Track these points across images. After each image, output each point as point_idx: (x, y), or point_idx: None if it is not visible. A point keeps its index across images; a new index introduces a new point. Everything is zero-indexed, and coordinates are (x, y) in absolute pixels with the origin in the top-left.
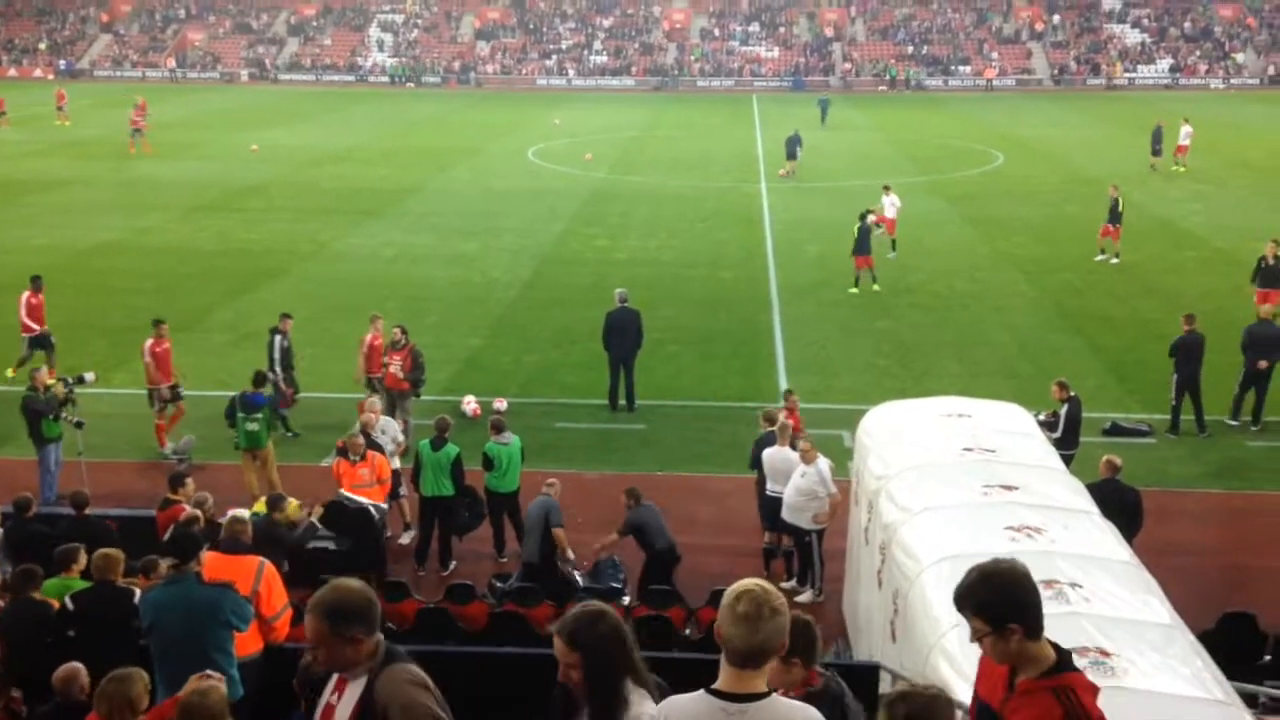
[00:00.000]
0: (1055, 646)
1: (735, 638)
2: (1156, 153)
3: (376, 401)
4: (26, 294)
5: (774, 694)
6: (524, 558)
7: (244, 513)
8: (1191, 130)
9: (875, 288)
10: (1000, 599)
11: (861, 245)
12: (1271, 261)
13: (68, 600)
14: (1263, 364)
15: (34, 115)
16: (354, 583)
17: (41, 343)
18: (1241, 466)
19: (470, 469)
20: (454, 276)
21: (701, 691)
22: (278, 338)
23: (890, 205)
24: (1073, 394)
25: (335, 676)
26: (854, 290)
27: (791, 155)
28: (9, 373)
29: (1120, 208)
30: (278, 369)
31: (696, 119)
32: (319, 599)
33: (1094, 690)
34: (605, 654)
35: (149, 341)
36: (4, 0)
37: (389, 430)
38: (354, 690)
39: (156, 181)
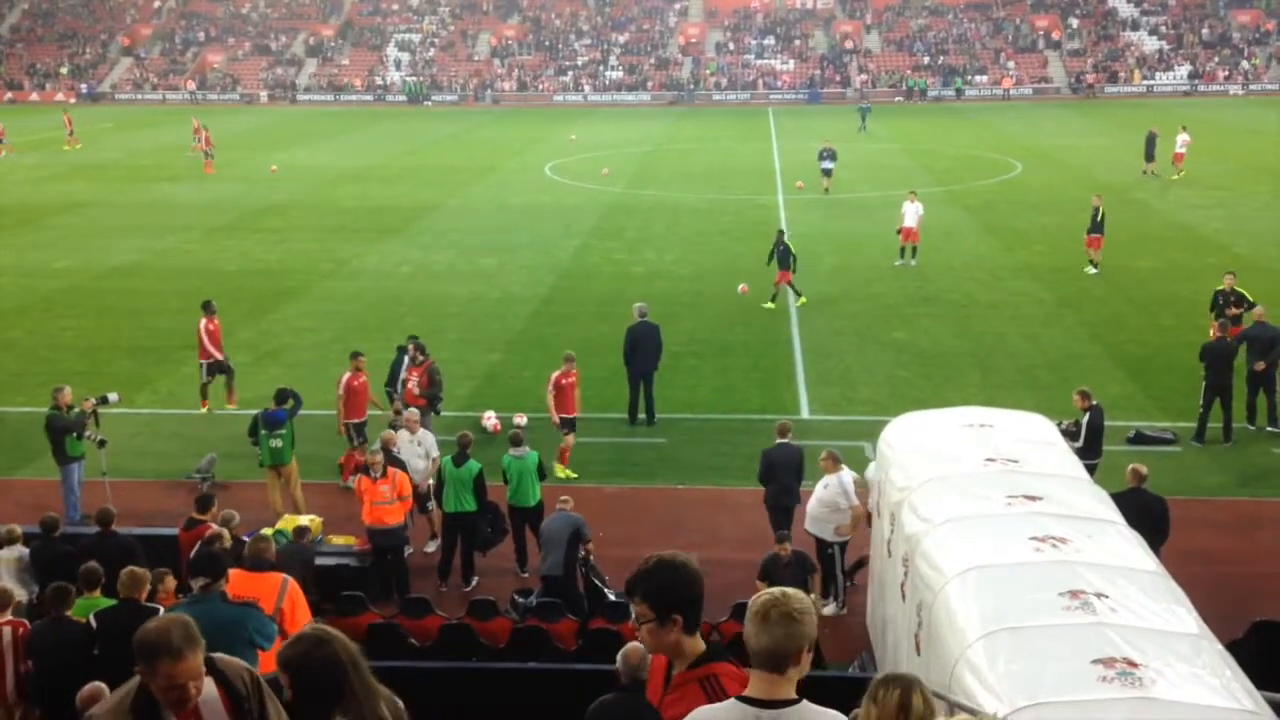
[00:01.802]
0: (709, 641)
1: (748, 637)
2: (1150, 158)
3: (414, 412)
4: (203, 321)
5: (804, 700)
6: (545, 571)
7: (267, 531)
8: (1189, 138)
9: (802, 300)
10: (670, 589)
11: (783, 261)
12: (1233, 298)
13: (92, 619)
14: (1259, 366)
15: (53, 139)
16: (166, 619)
17: (220, 368)
18: (1268, 474)
19: (492, 484)
20: (473, 292)
21: (733, 700)
22: (405, 357)
23: (913, 212)
24: (1094, 402)
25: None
26: (770, 305)
27: (827, 172)
28: (203, 408)
29: (1100, 217)
30: (396, 384)
31: (712, 132)
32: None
33: (741, 679)
34: (313, 680)
35: (346, 375)
36: (26, 26)
37: (425, 443)
38: (207, 696)
39: (177, 203)
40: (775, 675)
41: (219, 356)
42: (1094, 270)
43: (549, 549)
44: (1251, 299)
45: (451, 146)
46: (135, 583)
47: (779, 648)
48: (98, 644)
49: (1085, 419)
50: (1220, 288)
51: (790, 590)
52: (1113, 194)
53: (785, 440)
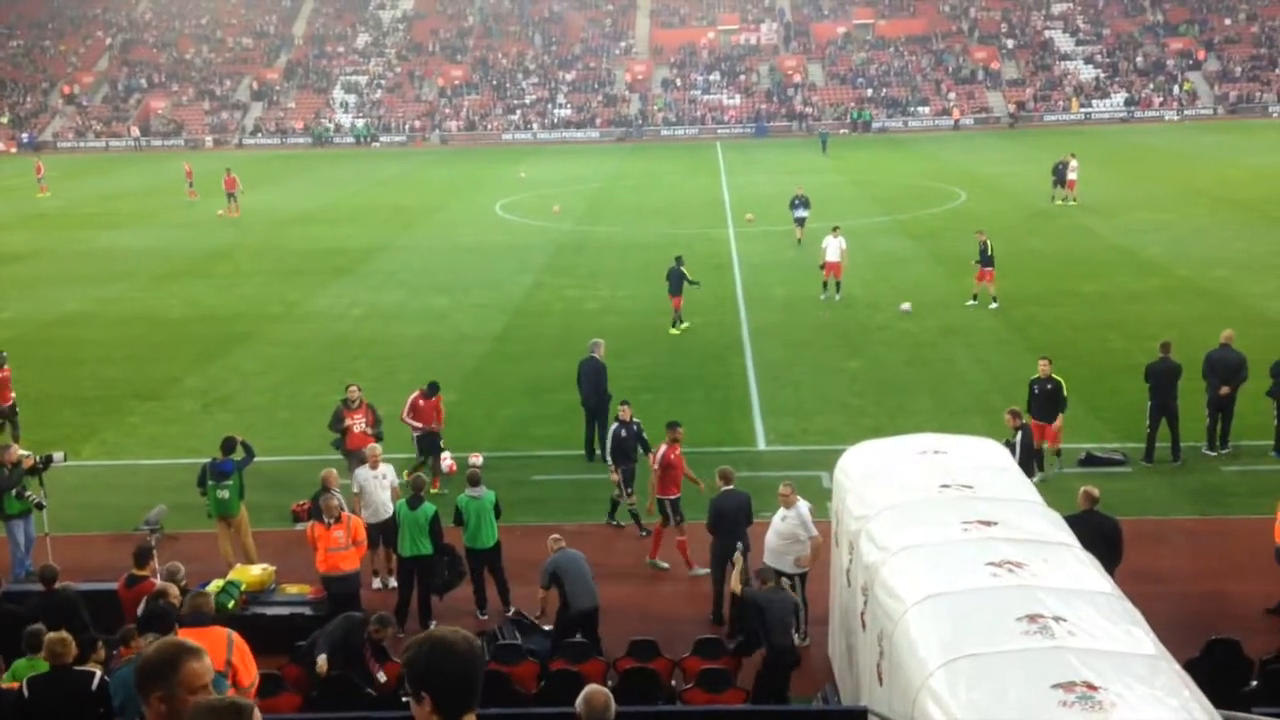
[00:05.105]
0: None
1: None
2: (1060, 184)
3: (378, 447)
4: (415, 394)
5: None
6: (586, 605)
7: (217, 582)
8: (1077, 164)
9: (684, 326)
10: (421, 665)
11: (675, 287)
12: (1049, 386)
13: (24, 686)
14: (1224, 390)
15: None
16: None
17: (430, 446)
18: (1217, 492)
19: (449, 527)
20: (425, 332)
21: None
22: (615, 425)
23: (835, 247)
24: (1024, 421)
25: None
26: (675, 330)
27: (800, 221)
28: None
29: (990, 251)
30: (608, 458)
31: (662, 167)
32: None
33: None
34: None
35: (663, 447)
36: None
37: (389, 475)
38: None
39: (122, 250)
40: None
41: (418, 426)
42: (974, 304)
43: (584, 582)
44: (1067, 392)
45: (400, 187)
46: (62, 648)
47: None
48: (29, 713)
49: (1017, 438)
50: (1035, 376)
51: None
52: (1053, 220)
53: (730, 487)
